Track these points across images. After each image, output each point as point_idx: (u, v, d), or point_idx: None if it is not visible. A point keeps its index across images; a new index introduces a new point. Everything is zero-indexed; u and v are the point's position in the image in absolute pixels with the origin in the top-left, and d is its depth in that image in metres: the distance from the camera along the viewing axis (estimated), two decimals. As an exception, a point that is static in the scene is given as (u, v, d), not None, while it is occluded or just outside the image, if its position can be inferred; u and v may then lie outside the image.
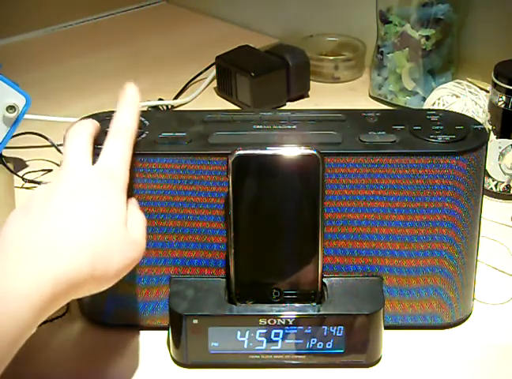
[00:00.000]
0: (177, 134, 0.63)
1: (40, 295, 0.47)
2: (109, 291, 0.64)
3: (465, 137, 0.63)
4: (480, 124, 0.65)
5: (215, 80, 1.12)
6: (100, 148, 0.61)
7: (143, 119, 0.66)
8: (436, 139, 0.62)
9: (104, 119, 0.66)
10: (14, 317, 0.46)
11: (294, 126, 0.65)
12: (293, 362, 0.62)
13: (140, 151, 0.61)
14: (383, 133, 0.63)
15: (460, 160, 0.61)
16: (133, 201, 0.59)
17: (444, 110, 0.72)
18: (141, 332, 0.66)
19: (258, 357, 0.62)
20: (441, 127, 0.64)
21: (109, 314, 0.66)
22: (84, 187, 0.54)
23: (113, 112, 0.67)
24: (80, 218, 0.52)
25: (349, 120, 0.66)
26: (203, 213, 0.63)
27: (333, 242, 0.63)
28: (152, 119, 0.66)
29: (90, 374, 0.64)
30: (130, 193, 0.60)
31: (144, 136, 0.63)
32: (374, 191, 0.62)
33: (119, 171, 0.56)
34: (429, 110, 0.77)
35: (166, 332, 0.65)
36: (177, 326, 0.62)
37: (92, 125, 0.61)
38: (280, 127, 0.65)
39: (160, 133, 0.63)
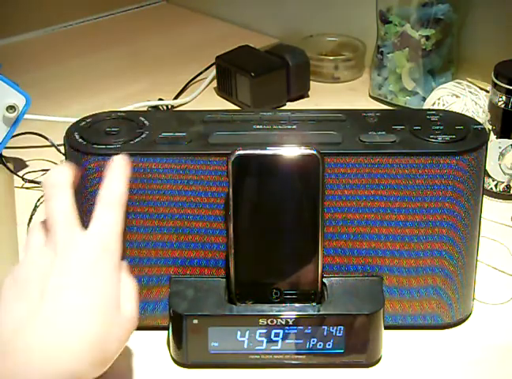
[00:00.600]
0: (177, 134, 0.63)
1: None
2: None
3: (465, 137, 0.63)
4: (480, 124, 0.65)
5: (215, 80, 1.12)
6: (98, 148, 0.61)
7: (143, 119, 0.66)
8: (436, 139, 0.62)
9: (104, 119, 0.66)
10: None
11: (294, 126, 0.65)
12: (293, 362, 0.62)
13: (140, 151, 0.62)
14: (383, 133, 0.63)
15: (460, 160, 0.61)
16: (123, 267, 0.55)
17: (444, 110, 0.72)
18: (141, 332, 0.66)
19: (258, 357, 0.62)
20: (441, 127, 0.64)
21: (109, 314, 0.66)
22: (80, 269, 0.51)
23: (113, 112, 0.67)
24: (78, 313, 0.50)
25: (349, 120, 0.66)
26: (203, 213, 0.63)
27: (333, 242, 0.63)
28: (152, 119, 0.66)
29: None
30: (132, 197, 0.60)
31: (144, 136, 0.63)
32: (374, 191, 0.62)
33: (113, 244, 0.53)
34: (429, 110, 0.77)
35: (166, 332, 0.65)
36: (177, 326, 0.62)
37: (70, 174, 0.55)
38: (280, 127, 0.65)
39: (160, 133, 0.63)
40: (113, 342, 0.52)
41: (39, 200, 0.85)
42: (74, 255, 0.52)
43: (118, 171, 0.56)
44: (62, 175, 0.54)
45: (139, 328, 0.66)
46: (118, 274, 0.53)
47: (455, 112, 0.80)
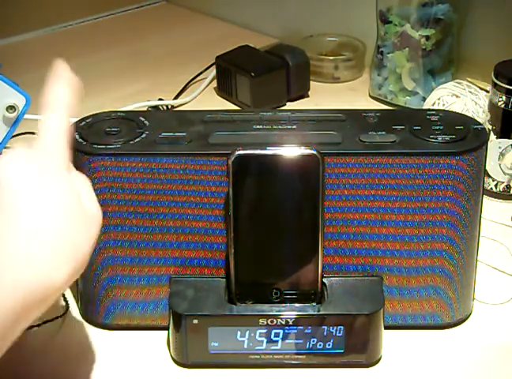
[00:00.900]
0: (177, 134, 0.63)
1: (14, 306, 0.46)
2: (109, 291, 0.65)
3: (465, 137, 0.63)
4: (480, 124, 0.65)
5: (215, 80, 1.12)
6: (98, 148, 0.61)
7: (143, 119, 0.66)
8: (436, 139, 0.62)
9: (104, 119, 0.66)
10: None
11: (294, 126, 0.65)
12: (293, 362, 0.62)
13: (140, 151, 0.62)
14: (383, 133, 0.63)
15: (460, 160, 0.61)
16: (71, 167, 0.54)
17: (444, 110, 0.72)
18: (141, 332, 0.66)
19: (258, 357, 0.62)
20: (441, 127, 0.64)
21: (109, 314, 0.66)
22: (33, 183, 0.50)
23: (113, 112, 0.67)
24: (44, 221, 0.49)
25: (349, 120, 0.66)
26: (203, 213, 0.63)
27: (333, 242, 0.63)
28: (152, 119, 0.66)
29: (90, 374, 0.64)
30: (125, 196, 0.61)
31: (144, 136, 0.63)
32: (374, 191, 0.62)
33: (58, 147, 0.52)
34: (429, 110, 0.77)
35: (166, 332, 0.65)
36: (177, 326, 0.62)
37: None
38: (280, 127, 0.65)
39: (160, 133, 0.63)
40: (84, 245, 0.51)
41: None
42: (25, 167, 0.51)
43: (59, 76, 0.57)
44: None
45: (139, 328, 0.66)
46: (68, 175, 0.52)
47: (455, 112, 0.80)
